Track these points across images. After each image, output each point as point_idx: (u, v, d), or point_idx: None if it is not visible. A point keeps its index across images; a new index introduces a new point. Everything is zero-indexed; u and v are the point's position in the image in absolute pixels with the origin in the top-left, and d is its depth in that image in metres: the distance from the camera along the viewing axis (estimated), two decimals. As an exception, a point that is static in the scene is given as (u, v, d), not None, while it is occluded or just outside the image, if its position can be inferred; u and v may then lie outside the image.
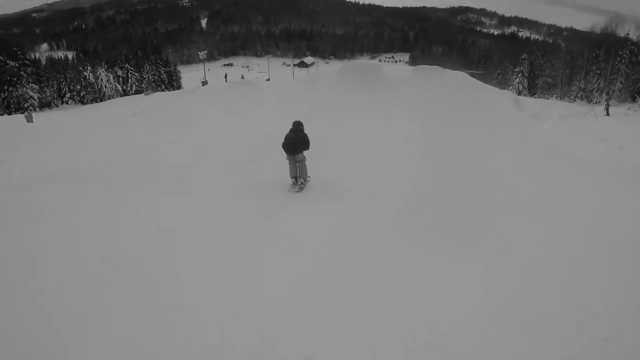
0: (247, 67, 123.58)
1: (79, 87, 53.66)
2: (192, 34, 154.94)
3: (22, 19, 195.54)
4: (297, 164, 8.76)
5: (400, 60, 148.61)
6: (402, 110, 19.10)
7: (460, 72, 27.83)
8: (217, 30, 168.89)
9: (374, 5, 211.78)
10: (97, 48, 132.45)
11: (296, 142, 8.55)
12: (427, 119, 18.04)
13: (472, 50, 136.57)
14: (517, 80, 56.77)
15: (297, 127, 8.72)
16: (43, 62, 60.59)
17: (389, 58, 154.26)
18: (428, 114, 18.72)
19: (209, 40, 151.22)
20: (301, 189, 8.77)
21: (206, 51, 66.82)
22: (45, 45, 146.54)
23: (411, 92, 21.49)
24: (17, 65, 50.59)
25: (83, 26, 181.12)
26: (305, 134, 8.75)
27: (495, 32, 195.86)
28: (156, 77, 63.09)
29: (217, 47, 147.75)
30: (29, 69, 52.02)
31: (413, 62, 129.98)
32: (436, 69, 24.72)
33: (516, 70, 58.04)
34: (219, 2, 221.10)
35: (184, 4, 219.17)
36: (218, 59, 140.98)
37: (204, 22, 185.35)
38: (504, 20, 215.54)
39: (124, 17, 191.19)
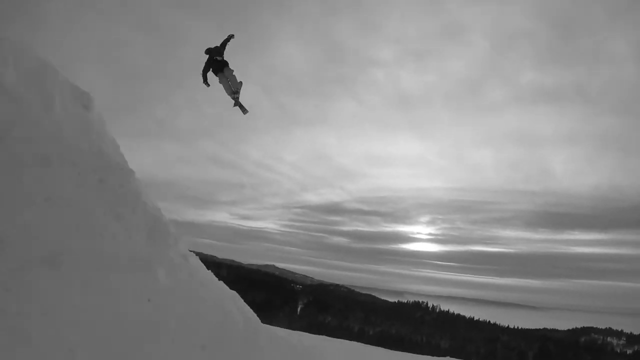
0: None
1: None
2: (278, 312, 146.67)
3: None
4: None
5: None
6: None
7: None
8: (307, 316, 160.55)
9: (488, 322, 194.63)
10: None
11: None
12: None
13: None
14: None
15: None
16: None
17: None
18: None
19: (294, 324, 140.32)
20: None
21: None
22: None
23: None
24: None
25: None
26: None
27: (629, 351, 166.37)
28: None
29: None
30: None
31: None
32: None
33: None
34: (326, 293, 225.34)
35: (297, 287, 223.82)
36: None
37: (300, 307, 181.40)
38: (633, 339, 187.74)
39: (230, 278, 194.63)
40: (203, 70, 10.39)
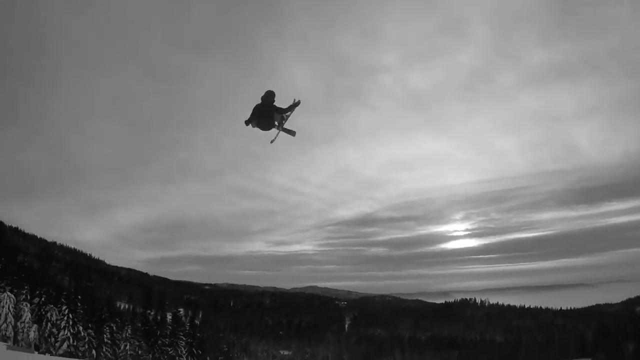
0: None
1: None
2: (326, 332, 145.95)
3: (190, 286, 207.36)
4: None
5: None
6: None
7: None
8: (356, 332, 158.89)
9: (540, 308, 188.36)
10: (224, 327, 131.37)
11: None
12: None
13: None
14: None
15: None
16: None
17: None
18: None
19: (343, 341, 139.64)
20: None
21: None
22: (181, 310, 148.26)
23: None
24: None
25: (231, 303, 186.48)
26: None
27: None
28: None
29: (348, 350, 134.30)
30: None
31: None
32: None
33: None
34: (372, 305, 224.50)
35: (341, 304, 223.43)
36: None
37: (347, 324, 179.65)
38: None
39: (273, 305, 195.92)
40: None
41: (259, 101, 9.53)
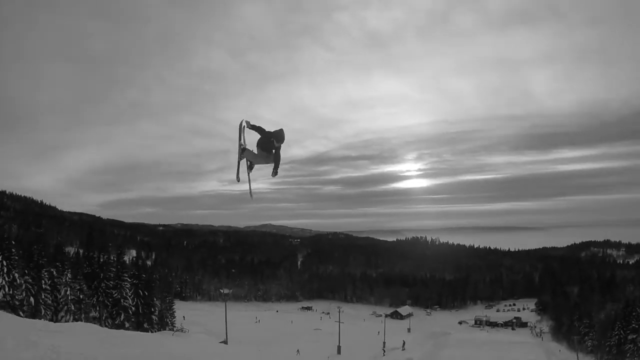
0: (328, 313, 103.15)
1: None
2: (278, 269, 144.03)
3: (144, 227, 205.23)
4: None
5: (525, 308, 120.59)
6: None
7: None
8: (308, 269, 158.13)
9: (490, 248, 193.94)
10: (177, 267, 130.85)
11: None
12: None
13: (622, 284, 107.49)
14: None
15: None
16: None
17: (510, 306, 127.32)
18: None
19: (295, 278, 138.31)
20: None
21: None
22: (134, 252, 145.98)
23: None
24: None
25: (185, 243, 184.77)
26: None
27: (631, 261, 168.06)
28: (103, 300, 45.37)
29: (301, 287, 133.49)
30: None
31: (542, 309, 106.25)
32: None
33: None
34: (325, 242, 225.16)
35: (294, 242, 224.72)
36: (300, 300, 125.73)
37: (300, 261, 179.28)
38: (632, 248, 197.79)
39: (227, 244, 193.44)
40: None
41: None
